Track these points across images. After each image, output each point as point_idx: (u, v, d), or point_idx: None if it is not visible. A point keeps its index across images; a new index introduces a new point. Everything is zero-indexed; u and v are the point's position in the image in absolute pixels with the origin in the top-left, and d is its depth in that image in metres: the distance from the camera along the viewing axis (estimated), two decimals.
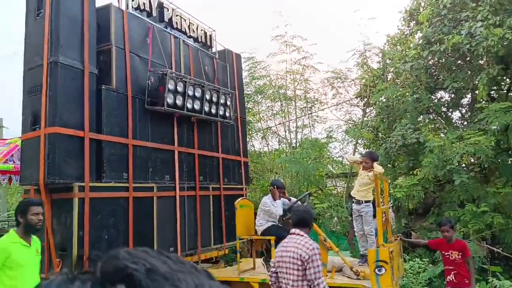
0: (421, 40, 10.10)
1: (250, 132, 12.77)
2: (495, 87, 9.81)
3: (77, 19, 5.06)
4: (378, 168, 5.38)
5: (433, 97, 10.62)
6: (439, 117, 10.88)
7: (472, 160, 9.24)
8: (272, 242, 5.62)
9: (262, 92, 13.27)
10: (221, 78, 7.77)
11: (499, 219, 7.80)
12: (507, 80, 9.98)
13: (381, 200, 5.38)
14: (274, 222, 6.10)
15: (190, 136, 6.77)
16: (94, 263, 0.54)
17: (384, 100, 11.36)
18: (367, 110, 12.95)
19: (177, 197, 6.25)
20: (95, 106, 5.16)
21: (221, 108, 6.98)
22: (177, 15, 6.80)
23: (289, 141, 13.56)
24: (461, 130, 9.11)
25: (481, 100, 8.75)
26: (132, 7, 5.88)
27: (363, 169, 5.78)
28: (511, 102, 8.38)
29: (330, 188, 12.97)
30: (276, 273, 3.52)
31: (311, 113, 13.54)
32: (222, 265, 7.29)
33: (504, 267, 8.05)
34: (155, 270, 0.51)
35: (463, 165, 8.71)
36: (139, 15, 6.02)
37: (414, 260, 7.83)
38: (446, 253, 5.15)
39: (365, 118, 12.77)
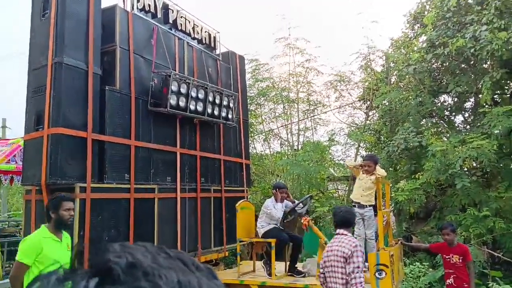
0: (425, 43, 10.09)
1: (252, 134, 12.77)
2: (498, 91, 9.79)
3: (82, 20, 5.07)
4: (381, 171, 5.38)
5: (436, 101, 10.61)
6: (442, 121, 10.86)
7: (474, 164, 9.21)
8: (273, 244, 5.62)
9: (265, 94, 13.27)
10: (224, 80, 7.78)
11: (501, 224, 7.78)
12: (511, 84, 9.96)
13: (382, 204, 5.37)
14: (275, 224, 6.10)
15: (192, 137, 6.78)
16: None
17: (387, 103, 11.35)
18: (370, 113, 12.93)
19: (178, 199, 6.25)
20: (99, 107, 5.17)
21: (224, 110, 6.99)
22: (181, 17, 6.81)
23: (291, 143, 13.55)
24: (463, 134, 9.08)
25: (485, 104, 8.73)
26: (137, 8, 5.90)
27: (365, 173, 5.77)
28: None
29: (331, 191, 12.95)
30: (324, 273, 3.64)
31: (313, 116, 13.53)
32: (222, 267, 7.29)
33: (504, 272, 8.02)
34: (136, 265, 0.51)
35: (465, 169, 8.68)
36: (144, 17, 6.03)
37: (414, 264, 7.81)
38: (447, 257, 5.16)
39: (368, 121, 12.76)
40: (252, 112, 13.11)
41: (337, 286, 3.52)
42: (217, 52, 7.83)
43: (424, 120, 10.51)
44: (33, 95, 5.02)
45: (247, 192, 8.25)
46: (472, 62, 9.45)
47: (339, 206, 4.03)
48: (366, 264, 4.65)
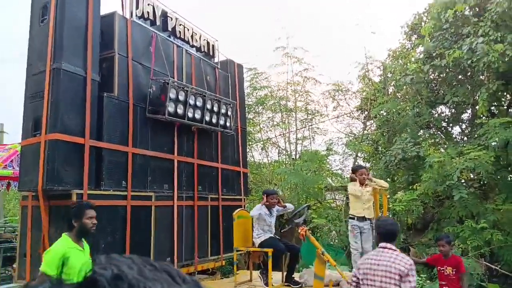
0: (422, 54, 10.17)
1: (250, 143, 12.77)
2: (495, 103, 9.85)
3: (81, 27, 5.08)
4: (383, 183, 5.42)
5: (434, 112, 10.66)
6: (439, 132, 10.90)
7: (472, 176, 9.24)
8: (270, 254, 5.58)
9: (263, 103, 13.30)
10: (222, 88, 7.79)
11: (498, 236, 7.77)
12: (508, 96, 10.03)
13: (380, 215, 5.36)
14: (271, 233, 6.07)
15: (190, 145, 6.76)
16: None
17: (384, 114, 11.39)
18: (368, 123, 12.98)
19: (175, 207, 6.21)
20: (96, 113, 5.15)
21: (222, 118, 6.98)
22: (180, 25, 6.84)
23: (289, 152, 13.55)
24: (461, 145, 9.10)
25: (481, 115, 8.77)
26: (136, 15, 5.92)
27: (362, 185, 5.81)
28: (511, 118, 8.40)
29: (329, 201, 12.93)
30: (358, 283, 3.49)
31: (311, 125, 13.56)
32: (218, 276, 7.22)
33: (502, 285, 7.99)
34: (121, 277, 0.50)
35: (463, 180, 8.70)
36: (142, 24, 6.05)
37: None
38: (441, 268, 5.19)
39: (365, 131, 12.79)
40: (250, 120, 13.12)
41: None
42: (216, 60, 7.84)
43: (421, 131, 10.56)
44: (31, 100, 4.99)
45: (244, 201, 8.21)
46: (469, 74, 9.52)
47: (384, 218, 3.82)
48: None
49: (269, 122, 13.98)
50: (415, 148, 9.04)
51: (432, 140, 10.34)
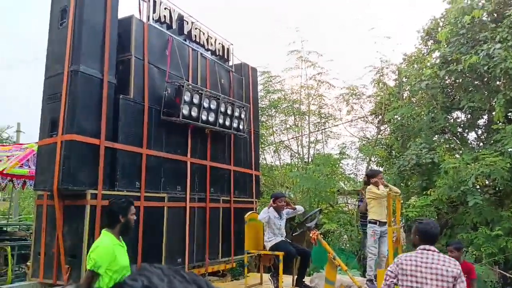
0: (438, 59, 10.08)
1: (263, 146, 12.79)
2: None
3: (99, 30, 5.17)
4: (394, 188, 5.40)
5: (449, 117, 10.55)
6: (454, 137, 10.77)
7: (487, 182, 9.10)
8: (281, 257, 5.58)
9: (276, 106, 13.31)
10: (236, 91, 7.83)
11: None
12: None
13: (392, 220, 5.33)
14: (282, 236, 6.07)
15: (203, 147, 6.81)
16: None
17: (399, 118, 11.30)
18: (382, 128, 12.89)
19: (187, 208, 6.26)
20: (112, 115, 5.23)
21: (235, 120, 7.02)
22: (196, 28, 6.90)
23: (301, 156, 13.53)
24: (476, 151, 8.98)
25: (498, 121, 8.65)
26: (153, 19, 5.99)
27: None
28: None
29: (341, 205, 12.87)
30: (396, 284, 3.42)
31: (324, 129, 13.52)
32: (229, 278, 7.25)
33: None
34: None
35: (478, 186, 8.58)
36: (159, 27, 6.12)
37: None
38: None
39: (379, 136, 12.70)
40: (263, 123, 13.14)
41: None
42: (230, 63, 7.89)
43: (436, 136, 10.45)
44: (48, 101, 5.09)
45: (256, 203, 8.22)
46: (485, 79, 9.40)
47: (426, 219, 3.76)
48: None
49: (281, 125, 13.99)
50: (430, 154, 8.95)
51: (447, 146, 10.22)
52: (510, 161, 7.88)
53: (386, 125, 12.60)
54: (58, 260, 4.82)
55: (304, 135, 13.42)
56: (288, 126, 13.78)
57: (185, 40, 6.70)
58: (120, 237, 3.46)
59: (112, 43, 5.32)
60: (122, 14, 5.63)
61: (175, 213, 6.04)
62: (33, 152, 8.25)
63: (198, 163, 6.62)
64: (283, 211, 6.18)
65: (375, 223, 5.94)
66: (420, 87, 9.66)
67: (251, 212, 6.65)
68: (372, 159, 12.39)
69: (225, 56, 7.70)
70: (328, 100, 13.56)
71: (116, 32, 5.42)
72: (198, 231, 6.45)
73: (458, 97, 10.12)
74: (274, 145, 13.86)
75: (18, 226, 10.92)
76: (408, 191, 10.16)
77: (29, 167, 8.13)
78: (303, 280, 5.99)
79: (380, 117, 12.58)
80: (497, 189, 9.18)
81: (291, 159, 14.22)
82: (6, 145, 11.59)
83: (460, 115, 10.94)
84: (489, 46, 8.09)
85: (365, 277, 6.65)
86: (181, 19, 6.61)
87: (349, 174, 13.33)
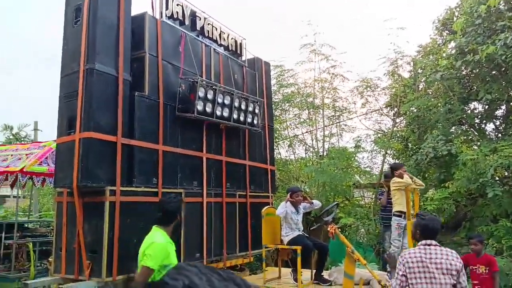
0: (454, 50, 9.90)
1: (277, 140, 12.76)
2: None
3: (113, 28, 5.20)
4: (418, 180, 5.37)
5: (466, 108, 10.36)
6: (472, 129, 10.59)
7: (506, 174, 8.93)
8: (299, 252, 5.58)
9: (290, 100, 13.26)
10: (250, 86, 7.82)
11: None
12: None
13: (412, 213, 5.28)
14: (299, 231, 6.07)
15: (218, 143, 6.83)
16: None
17: (414, 110, 11.16)
18: (397, 120, 12.74)
19: (204, 203, 6.30)
20: (128, 112, 5.27)
21: (249, 115, 7.02)
22: (209, 24, 6.90)
23: (316, 149, 13.47)
24: (495, 142, 8.82)
25: None
26: (166, 15, 6.01)
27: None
28: None
29: (357, 198, 12.79)
30: (404, 275, 3.43)
31: (339, 122, 13.42)
32: (247, 273, 7.28)
33: None
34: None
35: (497, 178, 8.43)
36: (172, 24, 6.14)
37: None
38: (473, 267, 5.17)
39: (395, 128, 12.56)
40: (277, 117, 13.11)
41: None
42: (243, 58, 7.88)
43: (453, 127, 10.28)
44: (65, 100, 5.15)
45: (272, 198, 8.23)
46: (503, 69, 9.20)
47: (427, 215, 3.80)
48: None
49: (295, 119, 13.93)
50: (447, 146, 8.82)
51: (465, 137, 10.06)
52: None
53: (402, 118, 12.45)
54: (79, 256, 4.90)
55: (318, 128, 13.35)
56: (302, 120, 13.72)
57: (198, 36, 6.71)
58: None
59: (126, 41, 5.35)
60: (135, 11, 5.67)
61: (192, 208, 6.09)
62: (51, 150, 8.40)
63: (214, 158, 6.65)
64: (300, 205, 6.17)
65: (400, 215, 5.90)
66: (435, 78, 9.50)
67: (268, 206, 6.66)
68: (388, 152, 12.26)
69: (238, 51, 7.70)
70: (342, 93, 13.46)
71: (130, 30, 5.46)
72: (215, 226, 6.49)
73: (475, 87, 9.93)
74: (288, 139, 13.82)
75: (39, 223, 11.13)
76: (425, 184, 10.04)
77: (48, 164, 8.28)
78: (322, 274, 5.99)
79: (395, 109, 12.44)
80: None
81: (305, 153, 14.17)
82: (24, 144, 11.82)
83: (477, 106, 10.75)
84: (507, 35, 7.91)
85: (383, 270, 6.61)
86: (193, 15, 6.62)
87: (364, 168, 13.22)
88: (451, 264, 3.29)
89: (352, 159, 12.60)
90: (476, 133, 10.44)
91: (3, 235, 8.06)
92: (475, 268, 5.12)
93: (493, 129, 10.76)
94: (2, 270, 7.78)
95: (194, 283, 0.52)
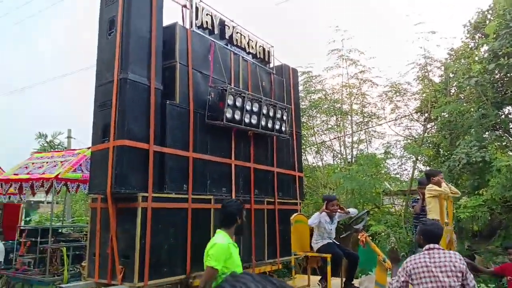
0: (487, 54, 9.65)
1: (304, 146, 12.72)
2: None
3: (145, 38, 5.34)
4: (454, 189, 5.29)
5: (500, 113, 10.06)
6: (506, 134, 10.26)
7: None
8: (329, 260, 5.54)
9: (317, 106, 13.20)
10: (277, 93, 7.86)
11: None
12: None
13: (446, 221, 5.16)
14: (330, 239, 6.02)
15: (246, 149, 6.88)
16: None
17: (446, 115, 10.90)
18: (428, 126, 12.46)
19: None
20: (160, 120, 5.39)
21: (277, 122, 7.04)
22: (237, 32, 6.99)
23: (344, 156, 13.34)
24: None
25: None
26: (196, 25, 6.13)
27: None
28: None
29: (387, 206, 12.56)
30: (407, 281, 3.56)
31: (367, 128, 13.26)
32: None
33: None
34: None
35: None
36: (202, 33, 6.25)
37: (479, 285, 7.37)
38: (511, 278, 4.96)
39: (426, 134, 12.30)
40: (304, 124, 13.07)
41: None
42: (271, 65, 7.93)
43: (487, 133, 9.98)
44: (100, 109, 5.31)
45: (300, 204, 8.20)
46: None
47: (431, 221, 3.96)
48: None
49: (323, 126, 13.85)
50: (481, 152, 8.57)
51: (499, 143, 9.75)
52: None
53: (433, 123, 12.18)
54: (112, 261, 5.01)
55: (346, 135, 13.22)
56: (329, 126, 13.62)
57: (227, 45, 6.80)
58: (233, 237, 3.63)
59: (158, 51, 5.48)
60: (166, 21, 5.80)
61: None
62: (85, 157, 8.65)
63: (242, 165, 6.69)
64: (336, 215, 6.12)
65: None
66: (469, 84, 9.27)
67: (296, 214, 6.65)
68: (419, 158, 12.01)
69: (266, 59, 7.75)
70: (370, 99, 13.30)
71: (161, 40, 5.59)
72: (244, 233, 6.50)
73: (510, 92, 9.63)
74: (316, 146, 13.75)
75: (72, 228, 11.43)
76: (458, 191, 9.78)
77: (82, 171, 8.51)
78: (352, 283, 5.91)
79: (426, 114, 12.19)
80: None
81: (333, 160, 14.06)
82: (59, 151, 12.20)
83: None
84: None
85: None
86: (222, 24, 6.72)
87: (394, 175, 12.98)
88: (455, 266, 3.38)
89: (381, 165, 12.40)
90: (511, 139, 10.10)
91: (38, 239, 8.31)
92: None
93: None
94: (37, 273, 8.01)
95: None
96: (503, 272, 5.39)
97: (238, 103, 6.19)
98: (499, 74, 9.65)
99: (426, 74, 12.19)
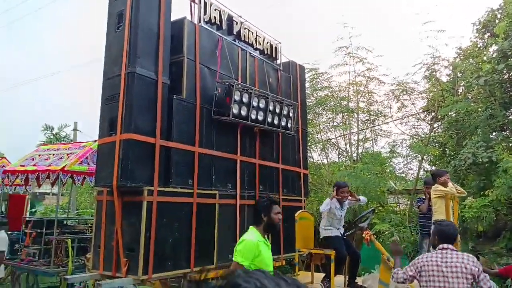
0: (495, 54, 9.58)
1: (310, 144, 12.69)
2: None
3: (153, 33, 5.35)
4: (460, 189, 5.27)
5: (508, 113, 9.99)
6: None
7: None
8: (333, 257, 5.54)
9: (324, 103, 13.16)
10: (284, 89, 7.84)
11: None
12: None
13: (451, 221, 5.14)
14: (340, 226, 6.00)
15: (252, 146, 6.88)
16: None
17: (453, 115, 10.84)
18: (435, 125, 12.39)
19: (238, 205, 6.35)
20: (166, 115, 5.40)
21: (284, 119, 7.03)
22: (245, 28, 6.98)
23: (349, 154, 13.30)
24: None
25: None
26: (204, 20, 6.12)
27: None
28: None
29: (392, 204, 12.53)
30: (414, 276, 3.59)
31: (373, 126, 13.21)
32: None
33: None
34: None
35: None
36: (209, 28, 6.25)
37: None
38: None
39: (432, 133, 12.23)
40: (310, 121, 13.04)
41: None
42: (278, 61, 7.91)
43: (494, 133, 9.92)
44: (107, 102, 5.32)
45: (304, 202, 8.20)
46: None
47: (446, 222, 4.00)
48: None
49: (329, 123, 13.81)
50: (487, 153, 8.52)
51: (506, 144, 9.68)
52: None
53: (440, 122, 12.11)
54: (117, 253, 5.04)
55: (352, 133, 13.18)
56: (335, 124, 13.59)
57: (234, 40, 6.80)
58: (265, 235, 3.60)
59: (166, 45, 5.49)
60: (174, 16, 5.80)
61: (226, 210, 6.15)
62: (91, 150, 8.69)
63: (248, 161, 6.70)
64: (346, 201, 6.12)
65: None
66: (477, 83, 9.21)
67: (301, 210, 6.65)
68: (425, 157, 11.95)
69: (273, 55, 7.74)
70: (377, 97, 13.24)
71: (169, 34, 5.59)
72: (248, 229, 6.51)
73: None
74: (321, 143, 13.72)
75: (77, 220, 11.51)
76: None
77: (88, 164, 8.56)
78: (356, 281, 5.91)
79: (433, 114, 12.12)
80: None
81: (338, 158, 14.02)
82: (65, 144, 12.28)
83: None
84: None
85: None
86: (230, 19, 6.71)
87: (399, 173, 12.93)
88: (466, 268, 3.38)
89: (387, 164, 12.36)
90: None
91: (44, 231, 8.37)
92: None
93: None
94: (42, 264, 8.07)
95: (265, 286, 0.55)
96: (508, 274, 5.36)
97: (245, 99, 6.19)
98: (507, 75, 9.57)
99: (434, 73, 12.12)
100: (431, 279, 3.47)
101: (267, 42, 7.57)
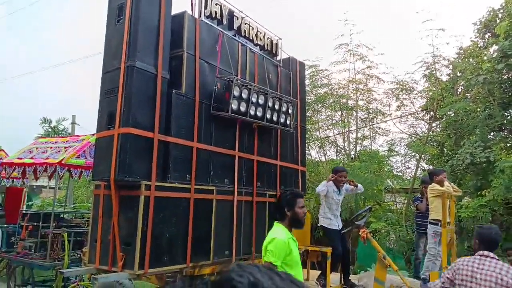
0: (496, 53, 9.58)
1: (308, 141, 12.69)
2: None
3: (153, 26, 5.32)
4: (457, 188, 5.25)
5: (506, 114, 10.00)
6: (511, 135, 10.22)
7: None
8: (329, 254, 5.55)
9: (323, 101, 13.15)
10: (284, 86, 7.82)
11: None
12: None
13: (448, 221, 5.15)
14: (338, 212, 6.00)
15: (250, 142, 6.87)
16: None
17: (452, 114, 10.85)
18: (433, 125, 12.41)
19: (235, 201, 6.34)
20: (165, 109, 5.37)
21: (283, 115, 7.01)
22: (245, 23, 6.95)
23: (347, 152, 13.31)
24: None
25: None
26: (204, 15, 6.09)
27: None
28: None
29: (388, 203, 12.55)
30: (451, 280, 3.45)
31: (372, 125, 13.21)
32: None
33: None
34: (258, 285, 0.53)
35: None
36: (210, 23, 6.21)
37: None
38: None
39: (431, 133, 12.25)
40: (309, 118, 13.03)
41: None
42: (278, 58, 7.88)
43: (492, 133, 9.94)
44: (106, 96, 5.29)
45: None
46: None
47: (488, 226, 3.74)
48: None
49: (328, 121, 13.81)
50: (485, 153, 8.54)
51: (504, 144, 9.70)
52: None
53: (438, 122, 12.13)
54: (113, 248, 5.03)
55: (351, 130, 13.18)
56: (334, 121, 13.58)
57: (235, 35, 6.76)
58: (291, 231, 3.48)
59: (166, 39, 5.45)
60: (175, 10, 5.76)
61: (223, 206, 6.14)
62: (88, 144, 8.66)
63: (246, 157, 6.69)
64: (343, 187, 6.12)
65: (436, 223, 5.77)
66: (477, 81, 9.20)
67: None
68: (422, 156, 11.97)
69: (274, 51, 7.71)
70: (377, 95, 13.24)
71: (169, 29, 5.56)
72: (245, 224, 6.53)
73: None
74: (320, 141, 13.72)
75: (74, 214, 11.49)
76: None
77: (86, 158, 8.53)
78: (349, 278, 5.93)
79: (431, 113, 12.13)
80: None
81: (336, 155, 14.02)
82: (63, 137, 12.24)
83: None
84: None
85: (415, 278, 6.48)
86: (231, 14, 6.67)
87: (397, 172, 12.95)
88: (502, 280, 3.19)
89: (384, 162, 12.37)
90: None
91: (40, 224, 8.34)
92: None
93: None
94: (38, 258, 8.05)
95: (258, 280, 0.54)
96: None
97: (244, 95, 6.16)
98: (507, 75, 9.58)
99: (434, 72, 12.11)
100: (464, 284, 3.33)
101: (268, 38, 7.54)
